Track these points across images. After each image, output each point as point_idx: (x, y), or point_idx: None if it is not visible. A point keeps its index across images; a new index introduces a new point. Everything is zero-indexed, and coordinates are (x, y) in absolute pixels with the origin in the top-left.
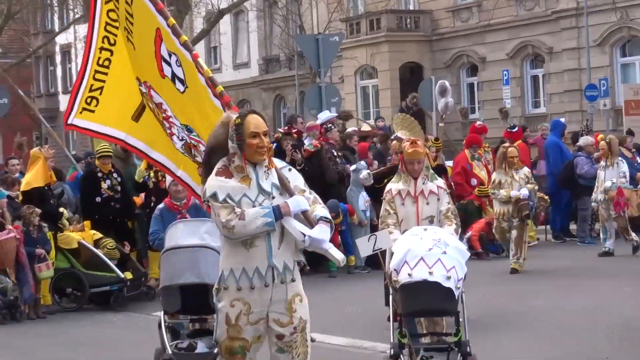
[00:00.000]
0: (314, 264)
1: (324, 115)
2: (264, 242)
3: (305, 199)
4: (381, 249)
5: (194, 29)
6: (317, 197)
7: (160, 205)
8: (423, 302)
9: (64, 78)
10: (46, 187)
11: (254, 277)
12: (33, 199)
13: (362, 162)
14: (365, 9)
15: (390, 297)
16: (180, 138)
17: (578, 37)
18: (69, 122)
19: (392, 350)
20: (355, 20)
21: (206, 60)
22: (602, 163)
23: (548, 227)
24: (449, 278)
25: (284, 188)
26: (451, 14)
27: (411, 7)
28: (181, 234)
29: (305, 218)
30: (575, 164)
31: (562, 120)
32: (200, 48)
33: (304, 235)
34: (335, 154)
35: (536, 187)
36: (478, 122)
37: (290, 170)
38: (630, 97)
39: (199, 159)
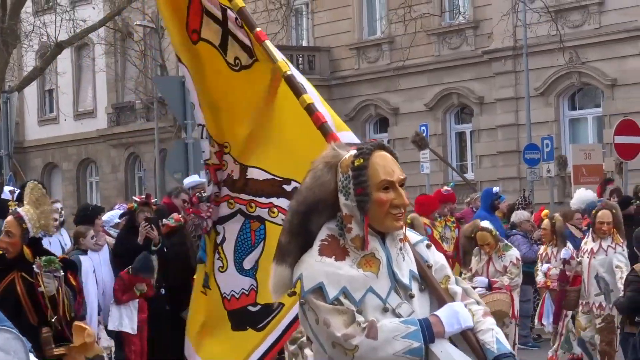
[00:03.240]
0: None
1: (191, 180)
2: None
3: (467, 311)
4: None
5: (23, 66)
6: (471, 289)
7: None
8: None
9: None
10: None
11: None
12: None
13: None
14: None
15: None
16: None
17: (516, 85)
18: None
19: None
20: None
21: (40, 108)
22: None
23: None
24: None
25: (426, 280)
26: (355, 52)
27: (304, 43)
28: None
29: (465, 339)
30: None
31: (495, 189)
32: (31, 91)
33: None
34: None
35: None
36: (445, 188)
37: (429, 247)
38: (580, 161)
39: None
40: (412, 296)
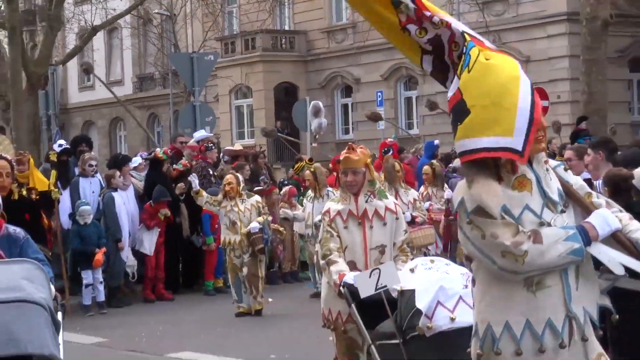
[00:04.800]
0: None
1: (199, 134)
2: (558, 281)
3: (613, 215)
4: (386, 287)
5: (66, 45)
6: (612, 202)
7: None
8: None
9: None
10: None
11: (544, 334)
12: None
13: None
14: (240, 28)
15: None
16: None
17: None
18: None
19: None
20: (230, 39)
21: (79, 77)
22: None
23: None
24: None
25: (570, 196)
26: (326, 34)
27: (286, 27)
28: None
29: (616, 240)
30: (450, 186)
31: (435, 142)
32: (73, 65)
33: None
34: (211, 173)
35: (270, 218)
36: (389, 139)
37: (567, 170)
38: None
39: None
40: (563, 211)
